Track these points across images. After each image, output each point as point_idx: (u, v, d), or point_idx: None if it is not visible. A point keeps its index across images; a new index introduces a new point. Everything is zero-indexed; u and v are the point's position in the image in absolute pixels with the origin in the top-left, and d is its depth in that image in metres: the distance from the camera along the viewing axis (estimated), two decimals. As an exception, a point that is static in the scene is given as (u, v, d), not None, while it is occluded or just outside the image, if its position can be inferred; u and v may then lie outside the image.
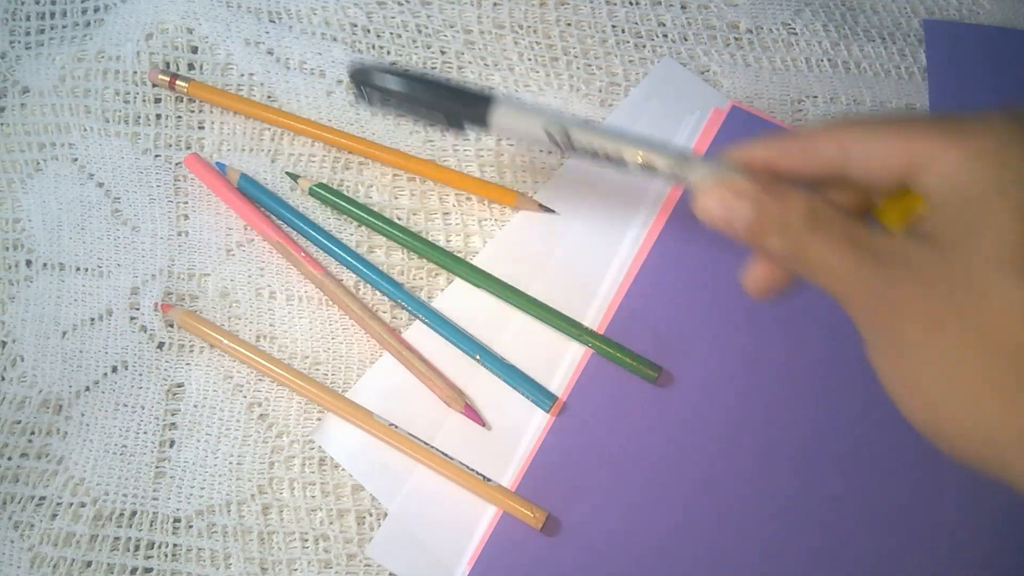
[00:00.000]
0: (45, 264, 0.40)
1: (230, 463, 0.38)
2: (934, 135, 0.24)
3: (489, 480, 0.37)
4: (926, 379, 0.24)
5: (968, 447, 0.24)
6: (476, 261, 0.41)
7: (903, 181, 0.25)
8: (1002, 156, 0.23)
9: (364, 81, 0.34)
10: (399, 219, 0.42)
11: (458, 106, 0.33)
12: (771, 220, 0.26)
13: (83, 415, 0.38)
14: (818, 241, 0.25)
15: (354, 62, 0.35)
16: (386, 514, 0.38)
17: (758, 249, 0.27)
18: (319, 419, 0.39)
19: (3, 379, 0.39)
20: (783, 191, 0.26)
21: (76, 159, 0.42)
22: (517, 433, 0.38)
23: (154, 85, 0.43)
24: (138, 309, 0.40)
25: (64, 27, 0.44)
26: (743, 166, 0.27)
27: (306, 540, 0.37)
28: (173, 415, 0.39)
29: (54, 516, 0.37)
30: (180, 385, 0.39)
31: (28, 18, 0.44)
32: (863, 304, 0.25)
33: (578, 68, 0.44)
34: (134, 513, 0.38)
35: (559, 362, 0.39)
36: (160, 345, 0.40)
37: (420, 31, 0.45)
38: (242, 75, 0.43)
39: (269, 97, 0.43)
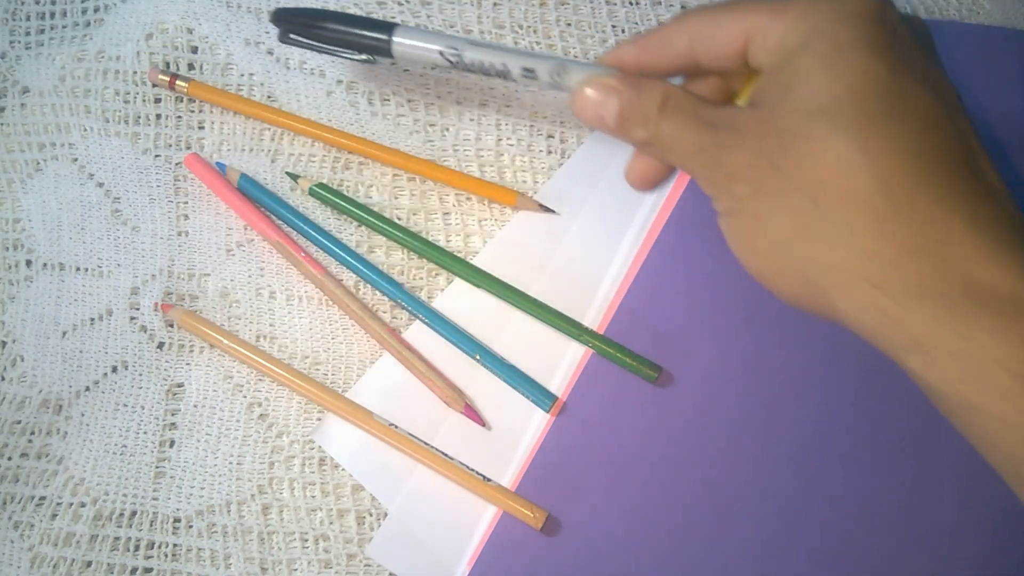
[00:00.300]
0: (45, 264, 0.40)
1: (230, 463, 0.38)
2: (761, 12, 0.25)
3: (489, 480, 0.37)
4: (755, 234, 0.25)
5: (796, 293, 0.25)
6: (476, 261, 0.41)
7: (745, 61, 0.26)
8: (812, 19, 0.24)
9: (283, 22, 0.37)
10: (399, 219, 0.42)
11: (364, 37, 0.35)
12: (633, 111, 0.27)
13: (83, 415, 0.38)
14: (668, 123, 0.27)
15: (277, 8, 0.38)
16: (386, 514, 0.38)
17: (628, 142, 0.28)
18: (319, 419, 0.39)
19: (3, 379, 0.39)
20: (641, 83, 0.27)
21: (76, 159, 0.42)
22: (517, 433, 0.38)
23: (154, 85, 0.43)
24: (138, 309, 0.40)
25: (64, 27, 0.44)
26: (616, 67, 0.29)
27: (306, 540, 0.37)
28: (173, 415, 0.39)
29: (54, 516, 0.37)
30: (180, 385, 0.39)
31: (28, 18, 0.44)
32: (706, 174, 0.26)
33: (578, 68, 0.44)
34: (134, 513, 0.38)
35: (559, 362, 0.39)
36: (160, 345, 0.40)
37: (420, 31, 0.45)
38: (242, 75, 0.43)
39: (269, 97, 0.43)
